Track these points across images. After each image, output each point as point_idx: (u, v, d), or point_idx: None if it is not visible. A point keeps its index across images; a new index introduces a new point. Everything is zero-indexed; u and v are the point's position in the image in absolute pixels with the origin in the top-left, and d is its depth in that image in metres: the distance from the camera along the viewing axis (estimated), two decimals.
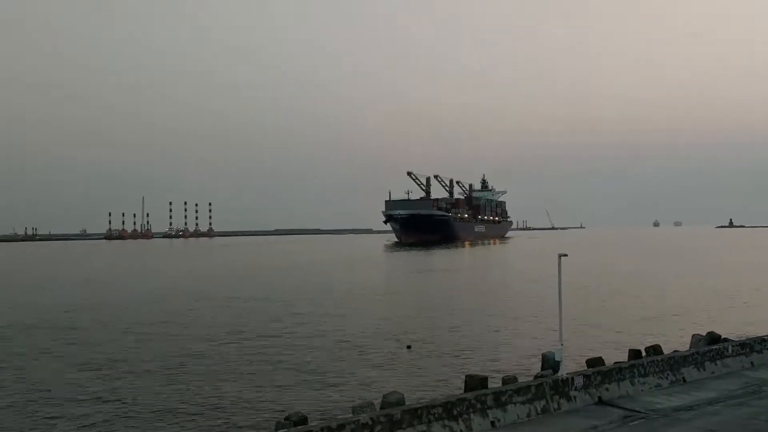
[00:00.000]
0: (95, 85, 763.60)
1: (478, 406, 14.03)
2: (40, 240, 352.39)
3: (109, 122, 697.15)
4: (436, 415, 13.29)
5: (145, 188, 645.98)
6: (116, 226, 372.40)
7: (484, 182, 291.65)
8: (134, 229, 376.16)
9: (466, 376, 17.60)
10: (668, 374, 17.79)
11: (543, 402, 15.08)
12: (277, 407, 19.23)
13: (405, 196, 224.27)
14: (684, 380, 17.89)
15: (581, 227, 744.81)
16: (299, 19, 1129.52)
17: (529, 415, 14.68)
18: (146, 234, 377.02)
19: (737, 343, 20.24)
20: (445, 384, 21.73)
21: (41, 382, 22.96)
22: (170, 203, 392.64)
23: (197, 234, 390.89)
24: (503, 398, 14.50)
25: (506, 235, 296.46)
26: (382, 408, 14.62)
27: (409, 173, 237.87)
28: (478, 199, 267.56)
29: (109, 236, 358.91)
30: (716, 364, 18.99)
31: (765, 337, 21.10)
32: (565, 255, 17.16)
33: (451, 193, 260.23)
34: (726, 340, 22.46)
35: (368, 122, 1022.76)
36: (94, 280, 71.23)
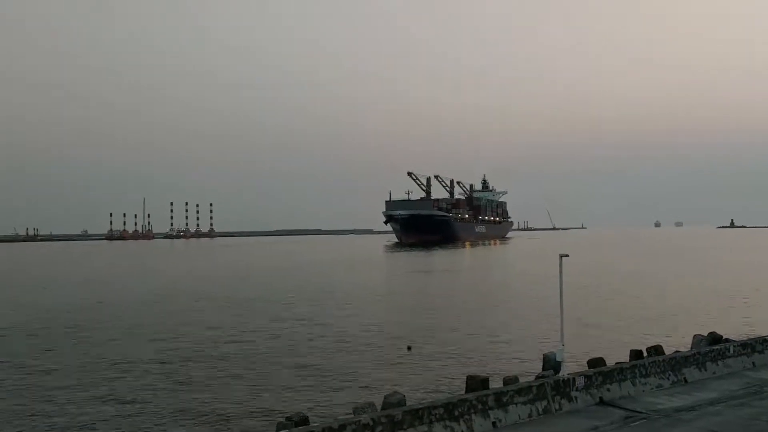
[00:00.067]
0: (95, 85, 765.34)
1: (480, 406, 14.02)
2: (41, 240, 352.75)
3: (109, 122, 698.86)
4: (438, 416, 13.28)
5: (146, 188, 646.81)
6: (117, 226, 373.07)
7: (484, 182, 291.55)
8: (135, 230, 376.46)
9: (467, 377, 17.57)
10: (670, 375, 17.77)
11: (544, 402, 15.06)
12: (278, 407, 19.22)
13: (405, 197, 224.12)
14: (685, 381, 17.86)
15: (582, 227, 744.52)
16: (299, 19, 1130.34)
17: (530, 416, 14.66)
18: (147, 234, 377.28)
19: (739, 344, 20.21)
20: (446, 384, 21.73)
21: (41, 381, 22.97)
22: (171, 204, 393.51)
23: (198, 234, 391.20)
24: (504, 399, 14.49)
25: (507, 236, 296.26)
26: (383, 408, 14.61)
27: (409, 173, 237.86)
28: (478, 199, 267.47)
29: (110, 237, 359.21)
30: (718, 365, 18.96)
31: (766, 338, 21.07)
32: (566, 255, 17.13)
33: (451, 193, 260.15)
34: (727, 340, 22.43)
35: (368, 122, 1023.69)
36: (94, 280, 71.25)
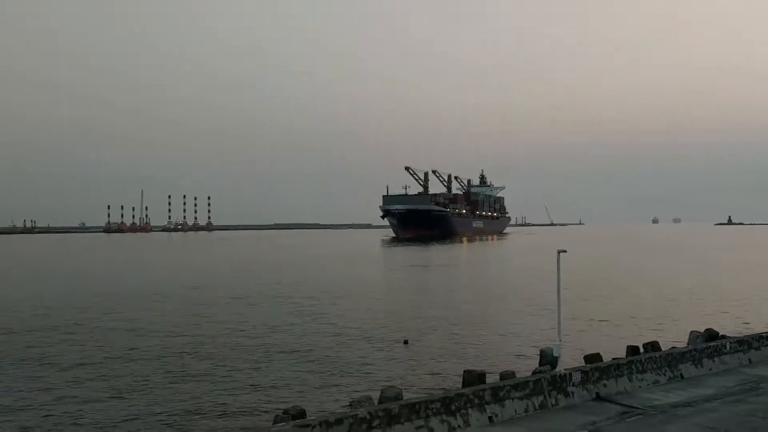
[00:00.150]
0: (95, 85, 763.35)
1: (476, 401, 14.02)
2: (39, 233, 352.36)
3: (109, 121, 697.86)
4: (434, 410, 13.28)
5: (144, 182, 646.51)
6: (115, 219, 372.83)
7: (482, 178, 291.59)
8: (133, 223, 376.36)
9: (464, 372, 17.58)
10: (666, 371, 17.79)
11: (541, 397, 15.07)
12: (275, 401, 19.23)
13: (403, 191, 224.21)
14: (682, 377, 17.89)
15: (580, 223, 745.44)
16: (300, 18, 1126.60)
17: (526, 411, 14.67)
18: (145, 227, 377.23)
19: (735, 340, 20.25)
20: (443, 379, 21.75)
21: (38, 380, 22.94)
22: (169, 197, 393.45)
23: (196, 228, 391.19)
24: (501, 393, 14.49)
25: (504, 231, 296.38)
26: (380, 403, 14.62)
27: (407, 168, 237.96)
28: (476, 194, 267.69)
29: (108, 229, 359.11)
30: (714, 361, 18.99)
31: (763, 334, 21.11)
32: (564, 251, 17.12)
33: (449, 188, 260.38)
34: (724, 337, 22.49)
35: (368, 121, 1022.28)
36: (92, 273, 71.16)
